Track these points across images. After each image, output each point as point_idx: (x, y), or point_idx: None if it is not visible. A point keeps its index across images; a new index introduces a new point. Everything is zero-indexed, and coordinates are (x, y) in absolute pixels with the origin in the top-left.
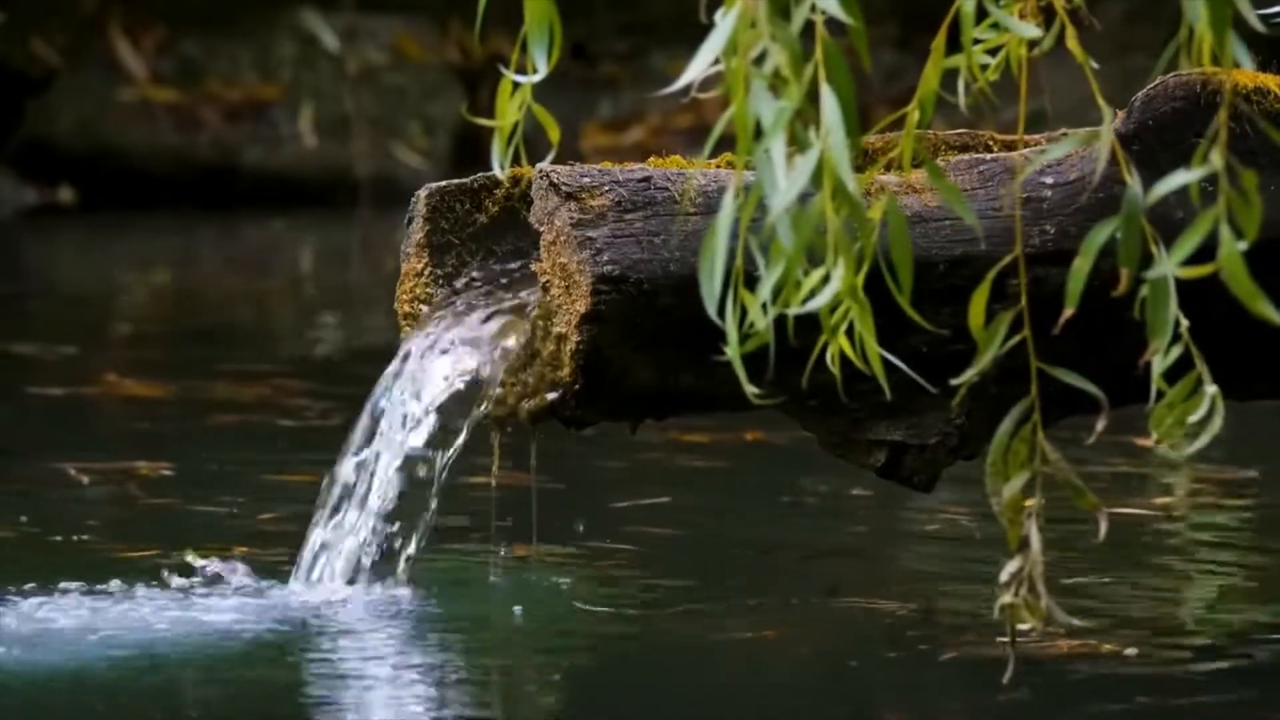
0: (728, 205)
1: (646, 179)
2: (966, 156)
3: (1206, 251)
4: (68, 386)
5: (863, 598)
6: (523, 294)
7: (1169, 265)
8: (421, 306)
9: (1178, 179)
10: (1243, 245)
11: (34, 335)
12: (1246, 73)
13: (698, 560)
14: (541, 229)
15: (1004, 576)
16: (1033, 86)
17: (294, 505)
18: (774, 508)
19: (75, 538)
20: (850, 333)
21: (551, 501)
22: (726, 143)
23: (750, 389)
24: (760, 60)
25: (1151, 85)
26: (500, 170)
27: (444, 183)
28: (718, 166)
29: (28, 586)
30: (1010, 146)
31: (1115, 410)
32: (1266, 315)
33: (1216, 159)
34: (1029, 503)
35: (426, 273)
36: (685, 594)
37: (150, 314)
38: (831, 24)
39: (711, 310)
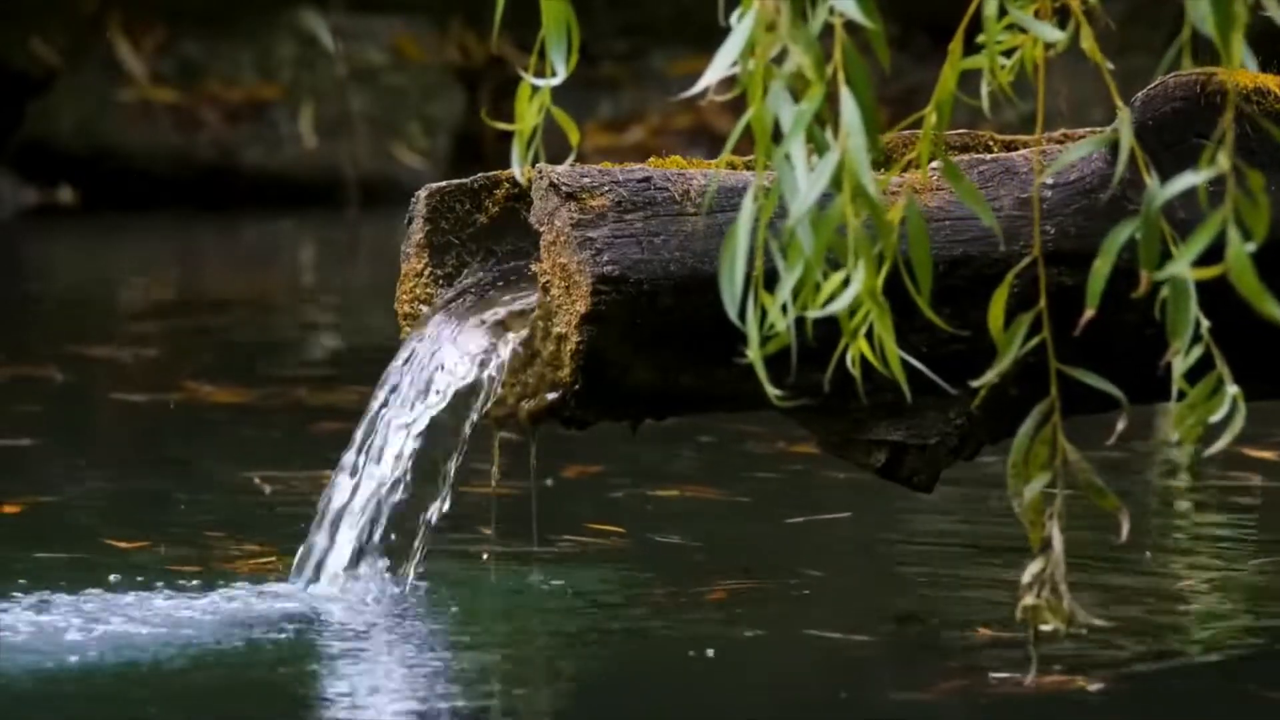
0: (748, 207)
1: (646, 179)
2: (966, 157)
3: (1209, 252)
4: (149, 393)
5: (931, 626)
6: (523, 294)
7: (1180, 266)
8: (422, 306)
9: (1186, 180)
10: (1250, 246)
11: (65, 339)
12: (1246, 73)
13: (808, 581)
14: (541, 229)
15: (1026, 578)
16: (1045, 87)
17: (510, 509)
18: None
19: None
20: (867, 335)
21: (739, 517)
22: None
23: (773, 391)
24: (779, 60)
25: (1151, 85)
26: (520, 173)
27: (444, 183)
28: (716, 168)
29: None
30: (1010, 147)
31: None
32: (1273, 315)
33: (1224, 160)
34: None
35: (427, 273)
36: (751, 612)
37: (169, 316)
38: (845, 25)
39: (733, 313)
